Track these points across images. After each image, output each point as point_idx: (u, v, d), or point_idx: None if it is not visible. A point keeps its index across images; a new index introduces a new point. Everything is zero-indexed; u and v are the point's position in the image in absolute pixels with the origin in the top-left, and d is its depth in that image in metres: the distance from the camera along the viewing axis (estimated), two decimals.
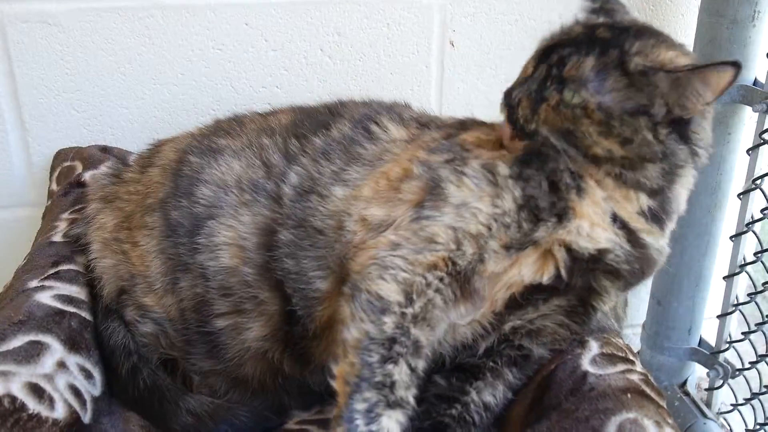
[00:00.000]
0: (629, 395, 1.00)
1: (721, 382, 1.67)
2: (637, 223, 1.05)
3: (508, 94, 1.07)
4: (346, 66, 1.60)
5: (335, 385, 0.99)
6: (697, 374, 1.79)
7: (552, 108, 1.02)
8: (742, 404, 1.66)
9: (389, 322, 0.99)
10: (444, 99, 1.64)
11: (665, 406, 1.03)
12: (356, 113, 1.25)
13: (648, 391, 1.03)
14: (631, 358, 1.10)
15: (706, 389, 1.76)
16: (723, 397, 1.77)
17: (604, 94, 0.99)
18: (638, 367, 1.08)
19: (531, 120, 1.03)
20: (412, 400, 0.99)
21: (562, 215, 1.02)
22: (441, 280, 1.01)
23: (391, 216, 1.07)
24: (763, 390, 1.58)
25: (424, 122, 1.24)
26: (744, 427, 1.66)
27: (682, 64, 0.99)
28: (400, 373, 0.98)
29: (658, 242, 1.08)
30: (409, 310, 1.00)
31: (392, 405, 0.97)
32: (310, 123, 1.24)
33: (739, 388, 1.68)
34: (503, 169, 1.04)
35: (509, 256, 1.03)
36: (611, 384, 1.03)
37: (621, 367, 1.07)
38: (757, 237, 1.57)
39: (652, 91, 0.98)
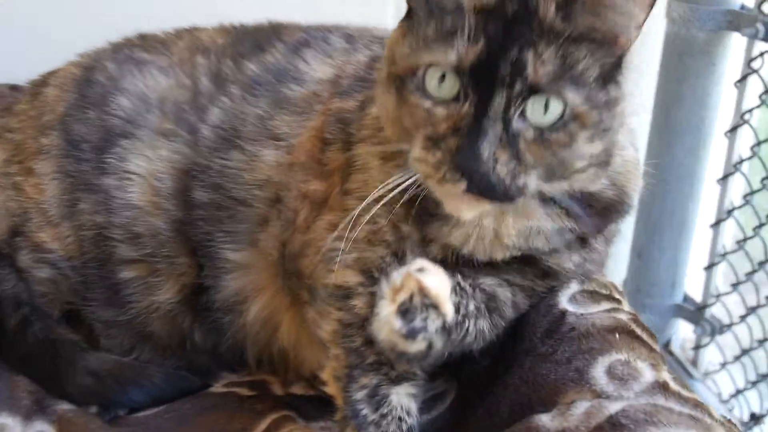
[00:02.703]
0: (617, 335, 0.86)
1: (708, 339, 1.55)
2: None
3: (467, 161, 0.73)
4: None
5: (328, 390, 0.91)
6: (682, 334, 1.67)
7: (533, 142, 0.74)
8: (730, 363, 1.53)
9: (359, 303, 0.89)
10: None
11: (659, 350, 0.89)
12: (293, 37, 1.11)
13: (639, 331, 0.89)
14: (617, 296, 0.95)
15: (692, 349, 1.64)
16: (710, 357, 1.65)
17: (585, 78, 0.73)
18: (626, 306, 0.94)
19: (518, 175, 0.75)
20: (418, 370, 0.89)
21: None
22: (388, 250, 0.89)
23: (327, 190, 0.95)
24: (755, 345, 1.45)
25: (352, 41, 1.10)
26: (734, 388, 1.54)
27: None
28: None
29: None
30: (376, 288, 0.87)
31: (397, 381, 0.87)
32: (248, 42, 1.12)
33: (727, 345, 1.55)
34: None
35: None
36: (595, 323, 0.88)
37: (606, 305, 0.92)
38: (746, 178, 1.44)
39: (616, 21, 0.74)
